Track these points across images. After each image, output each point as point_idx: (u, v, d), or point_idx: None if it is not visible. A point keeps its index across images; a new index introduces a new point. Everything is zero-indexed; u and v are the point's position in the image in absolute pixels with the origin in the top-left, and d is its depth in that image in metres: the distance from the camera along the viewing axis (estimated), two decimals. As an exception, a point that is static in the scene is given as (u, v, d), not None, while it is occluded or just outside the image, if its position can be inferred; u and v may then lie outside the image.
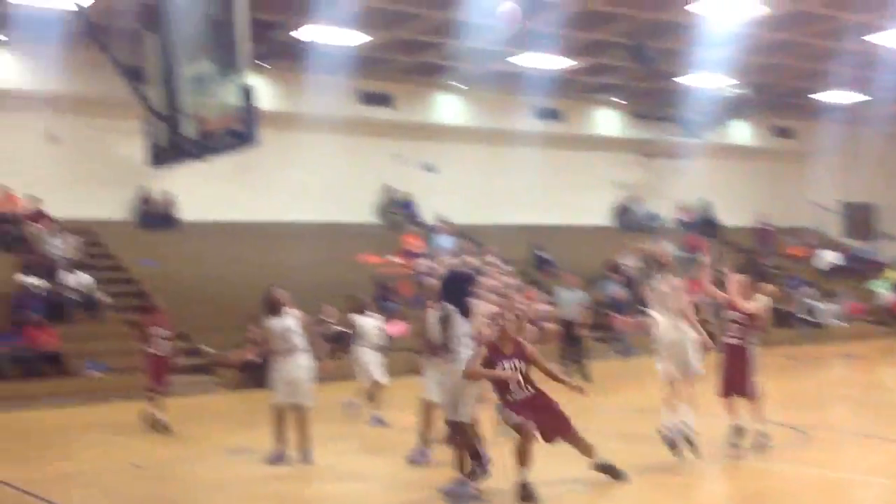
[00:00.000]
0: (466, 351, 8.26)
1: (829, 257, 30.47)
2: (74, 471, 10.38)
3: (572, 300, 18.26)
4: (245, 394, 16.29)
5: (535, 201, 27.40)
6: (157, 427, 12.46)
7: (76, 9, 14.23)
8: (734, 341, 9.93)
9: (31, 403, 15.74)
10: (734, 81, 25.52)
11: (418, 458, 9.46)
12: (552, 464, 8.39)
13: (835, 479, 9.04)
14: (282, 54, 20.88)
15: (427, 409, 9.50)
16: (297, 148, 23.80)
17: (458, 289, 8.64)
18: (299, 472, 9.47)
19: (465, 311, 8.49)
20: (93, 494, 9.29)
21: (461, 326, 8.40)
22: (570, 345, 17.95)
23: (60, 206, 20.76)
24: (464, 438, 8.22)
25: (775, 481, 9.26)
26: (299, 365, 9.78)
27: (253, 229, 22.91)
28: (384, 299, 21.33)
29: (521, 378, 7.98)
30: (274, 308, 9.97)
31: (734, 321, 9.99)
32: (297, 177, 23.96)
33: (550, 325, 20.83)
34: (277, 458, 9.71)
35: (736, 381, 9.79)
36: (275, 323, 9.86)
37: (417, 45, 21.96)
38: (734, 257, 28.63)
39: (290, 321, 9.89)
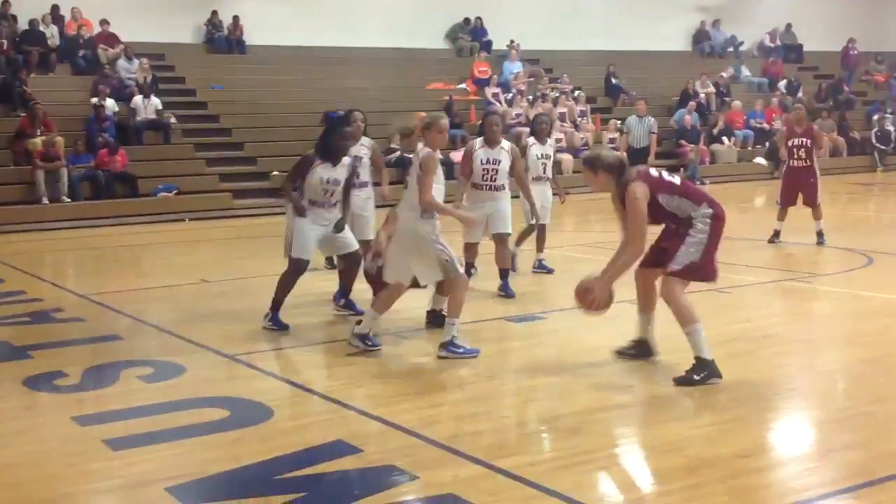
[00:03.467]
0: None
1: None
2: (146, 286, 10.74)
3: (641, 128, 17.97)
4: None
5: (610, 26, 26.53)
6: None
7: None
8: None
9: (103, 222, 16.22)
10: None
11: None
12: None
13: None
14: None
15: None
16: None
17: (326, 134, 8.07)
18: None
19: (331, 156, 7.90)
20: (163, 307, 9.60)
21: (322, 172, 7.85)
22: None
23: (131, 30, 20.81)
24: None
25: (835, 303, 9.19)
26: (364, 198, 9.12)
27: (321, 54, 22.72)
28: (453, 127, 21.22)
29: None
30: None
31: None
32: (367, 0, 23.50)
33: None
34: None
35: None
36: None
37: None
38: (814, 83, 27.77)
39: (363, 151, 9.22)
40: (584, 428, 5.49)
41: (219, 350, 7.40)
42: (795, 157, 12.19)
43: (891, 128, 25.40)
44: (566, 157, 21.63)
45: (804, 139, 12.13)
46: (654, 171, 6.37)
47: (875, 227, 15.36)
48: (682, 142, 22.95)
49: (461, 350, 6.93)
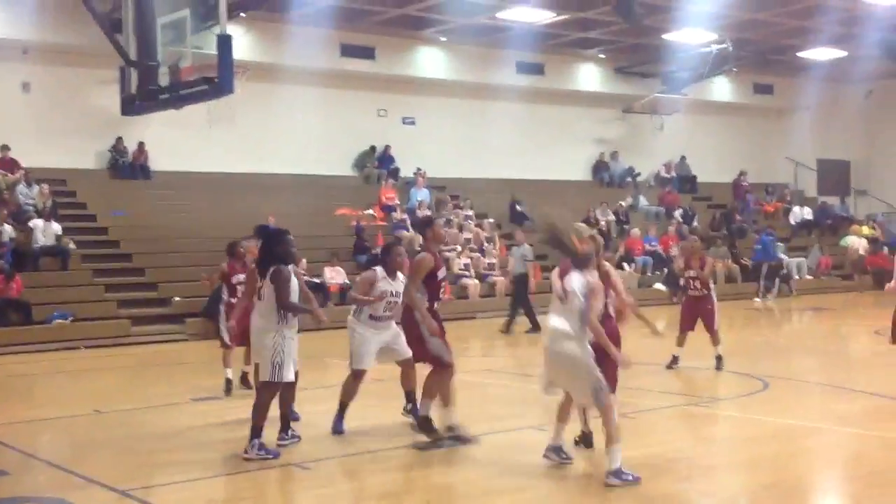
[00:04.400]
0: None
1: (802, 213, 30.68)
2: (39, 417, 10.38)
3: (517, 255, 18.55)
4: (213, 343, 16.17)
5: (514, 155, 27.26)
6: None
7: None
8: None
9: (-3, 350, 15.67)
10: (717, 37, 25.36)
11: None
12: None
13: (794, 426, 9.09)
14: (262, 4, 20.50)
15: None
16: (275, 99, 23.58)
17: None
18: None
19: (290, 262, 8.19)
20: (56, 440, 9.32)
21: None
22: (519, 298, 18.23)
23: (32, 155, 20.51)
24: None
25: (734, 428, 9.34)
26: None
27: (227, 181, 22.68)
28: (361, 252, 21.29)
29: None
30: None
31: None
32: (275, 128, 23.73)
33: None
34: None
35: None
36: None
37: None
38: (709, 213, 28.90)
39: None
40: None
41: (111, 485, 7.10)
42: (692, 287, 12.69)
43: (783, 256, 26.42)
44: (472, 283, 21.88)
45: (699, 270, 12.61)
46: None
47: (769, 352, 15.76)
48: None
49: (629, 477, 6.89)
